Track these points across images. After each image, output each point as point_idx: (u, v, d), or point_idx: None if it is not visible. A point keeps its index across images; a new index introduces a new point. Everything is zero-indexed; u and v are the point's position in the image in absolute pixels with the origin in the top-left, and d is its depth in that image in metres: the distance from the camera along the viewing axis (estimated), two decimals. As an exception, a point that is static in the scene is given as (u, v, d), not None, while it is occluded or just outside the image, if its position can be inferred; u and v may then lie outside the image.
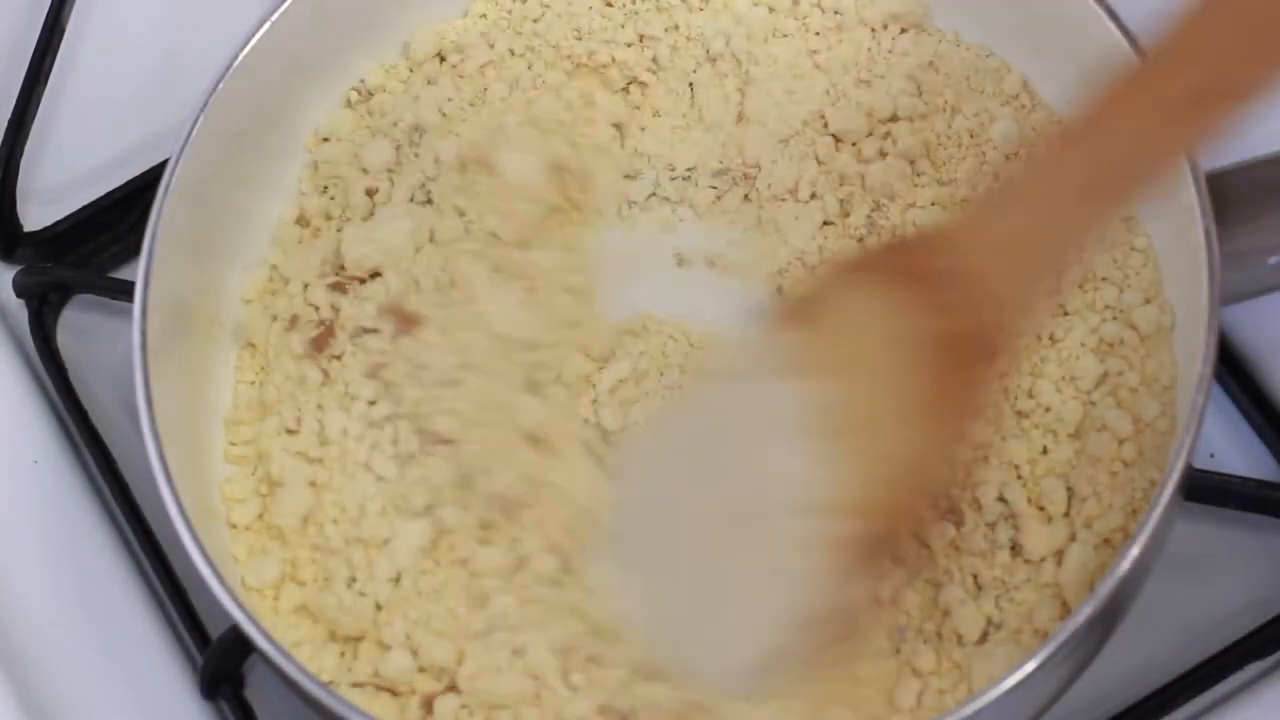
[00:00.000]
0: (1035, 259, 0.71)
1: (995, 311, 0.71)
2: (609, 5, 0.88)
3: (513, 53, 0.88)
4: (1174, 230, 0.78)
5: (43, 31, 0.97)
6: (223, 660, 0.85)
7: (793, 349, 0.73)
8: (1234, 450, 0.86)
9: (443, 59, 0.89)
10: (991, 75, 0.85)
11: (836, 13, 0.86)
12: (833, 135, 0.85)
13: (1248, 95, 0.69)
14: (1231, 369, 0.87)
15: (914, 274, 0.72)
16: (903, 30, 0.86)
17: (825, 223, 0.83)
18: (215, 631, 0.85)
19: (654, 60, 0.87)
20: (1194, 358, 0.74)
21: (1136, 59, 0.77)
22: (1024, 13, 0.83)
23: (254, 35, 0.83)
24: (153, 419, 0.77)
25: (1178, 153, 0.73)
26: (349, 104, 0.88)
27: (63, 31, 0.98)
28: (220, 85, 0.82)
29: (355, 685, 0.77)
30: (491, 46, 0.88)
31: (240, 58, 0.83)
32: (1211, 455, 0.86)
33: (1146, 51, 0.72)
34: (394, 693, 0.77)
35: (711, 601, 0.74)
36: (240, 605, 0.75)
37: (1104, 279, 0.80)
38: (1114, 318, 0.80)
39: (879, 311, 0.72)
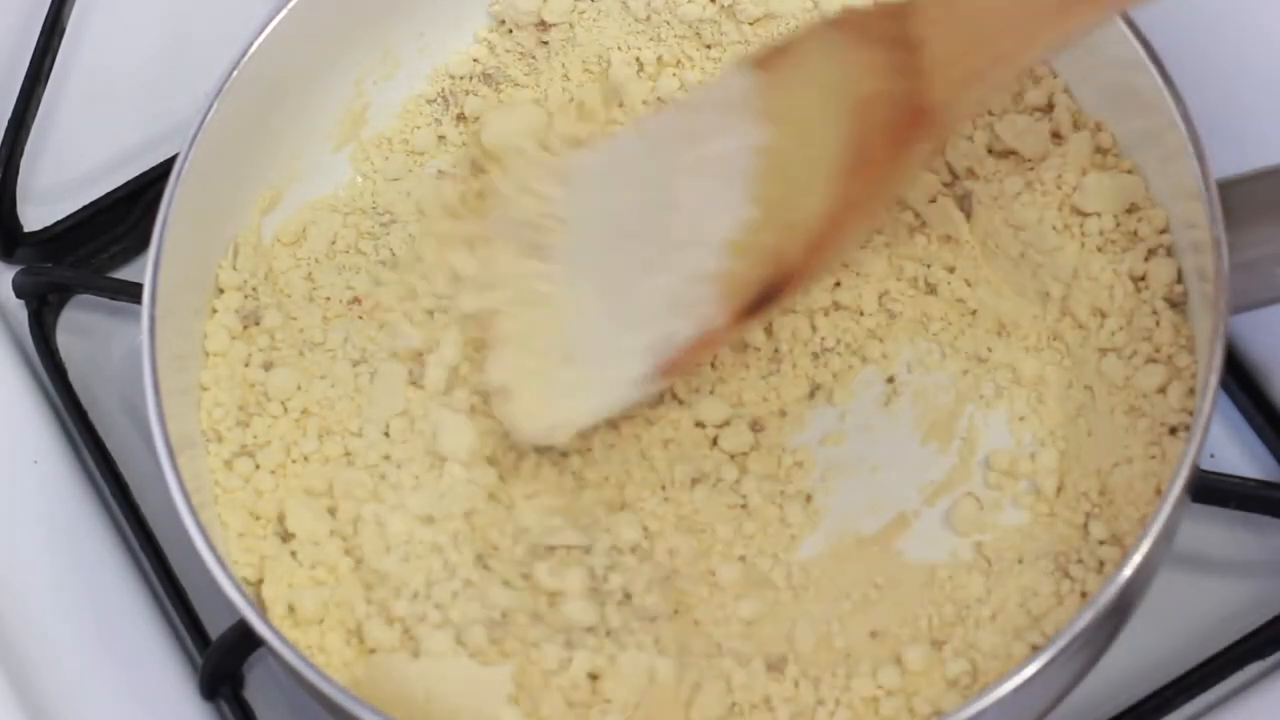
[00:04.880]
0: (994, 44, 0.71)
1: (938, 86, 0.71)
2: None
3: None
4: (1186, 239, 0.79)
5: (43, 31, 0.97)
6: (223, 660, 0.85)
7: (745, 88, 0.74)
8: (1235, 451, 0.87)
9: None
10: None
11: None
12: None
13: None
14: (1232, 370, 0.87)
15: (874, 34, 0.72)
16: None
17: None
18: (215, 631, 0.85)
19: None
20: (1203, 364, 0.75)
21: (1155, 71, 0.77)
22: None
23: (269, 24, 0.83)
24: (164, 426, 0.77)
25: None
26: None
27: (63, 31, 0.97)
28: (234, 74, 0.82)
29: None
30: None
31: (258, 42, 0.83)
32: (1212, 456, 0.87)
33: None
34: None
35: (620, 309, 0.78)
36: (259, 612, 0.75)
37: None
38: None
39: (833, 65, 0.73)
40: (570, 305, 0.80)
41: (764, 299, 0.76)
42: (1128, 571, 0.71)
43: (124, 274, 0.95)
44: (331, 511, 0.81)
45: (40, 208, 0.96)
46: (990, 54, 0.72)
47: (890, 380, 0.83)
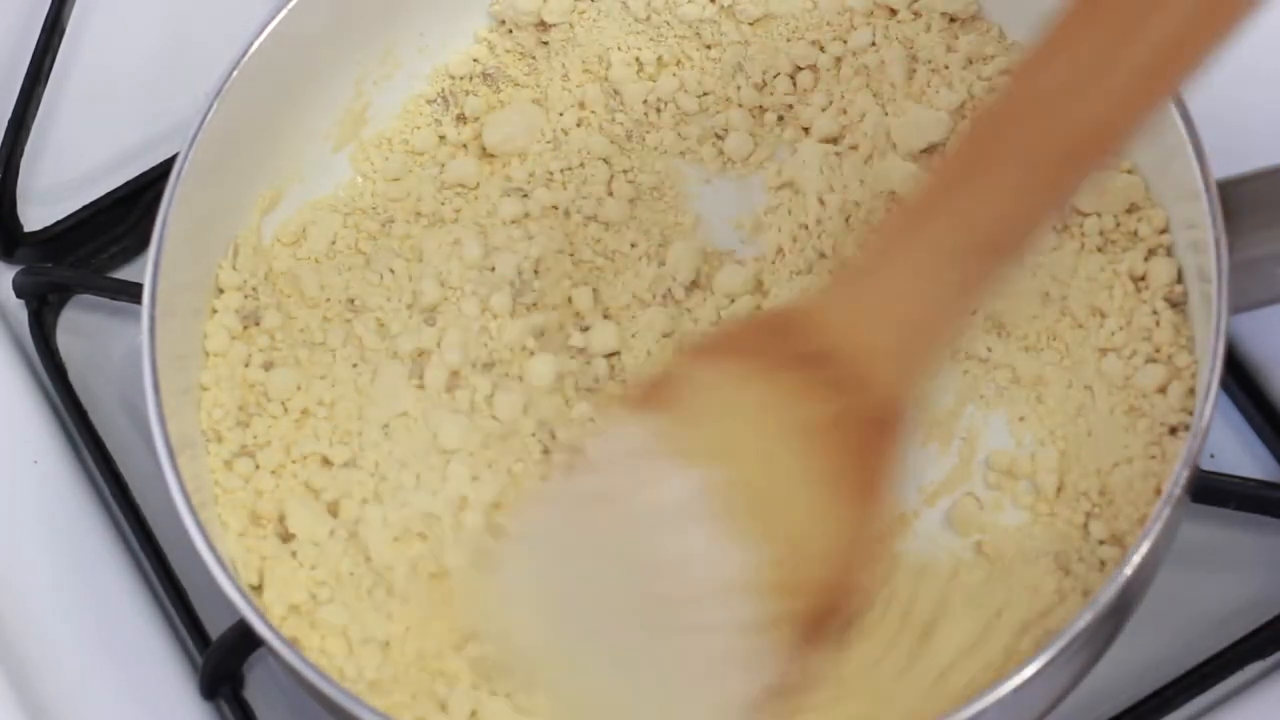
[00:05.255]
0: (913, 329, 0.68)
1: (878, 389, 0.68)
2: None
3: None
4: (1186, 239, 0.79)
5: (43, 31, 0.97)
6: (223, 660, 0.85)
7: (650, 434, 0.69)
8: (1235, 451, 0.87)
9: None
10: None
11: None
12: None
13: (1126, 134, 0.66)
14: (1232, 370, 0.87)
15: (784, 358, 0.69)
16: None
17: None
18: (215, 631, 0.85)
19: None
20: (1203, 364, 0.75)
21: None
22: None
23: (269, 24, 0.83)
24: (164, 426, 0.77)
25: (1062, 199, 0.69)
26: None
27: (63, 31, 0.97)
28: (234, 74, 0.82)
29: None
30: None
31: (258, 42, 0.83)
32: (1212, 456, 0.86)
33: (1015, 93, 0.67)
34: None
35: (647, 707, 0.71)
36: (259, 612, 0.75)
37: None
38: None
39: (753, 398, 0.69)
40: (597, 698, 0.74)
41: (821, 627, 0.70)
42: (1128, 571, 0.71)
43: (124, 274, 0.95)
44: (332, 512, 0.81)
45: (40, 208, 0.96)
46: (918, 339, 0.69)
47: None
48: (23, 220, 0.96)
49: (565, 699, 0.75)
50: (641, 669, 0.71)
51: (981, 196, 0.67)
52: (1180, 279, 0.80)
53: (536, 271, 0.85)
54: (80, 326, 0.95)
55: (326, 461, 0.82)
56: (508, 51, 0.90)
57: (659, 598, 0.70)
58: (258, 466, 0.82)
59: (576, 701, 0.74)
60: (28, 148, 0.96)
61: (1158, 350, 0.79)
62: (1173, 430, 0.78)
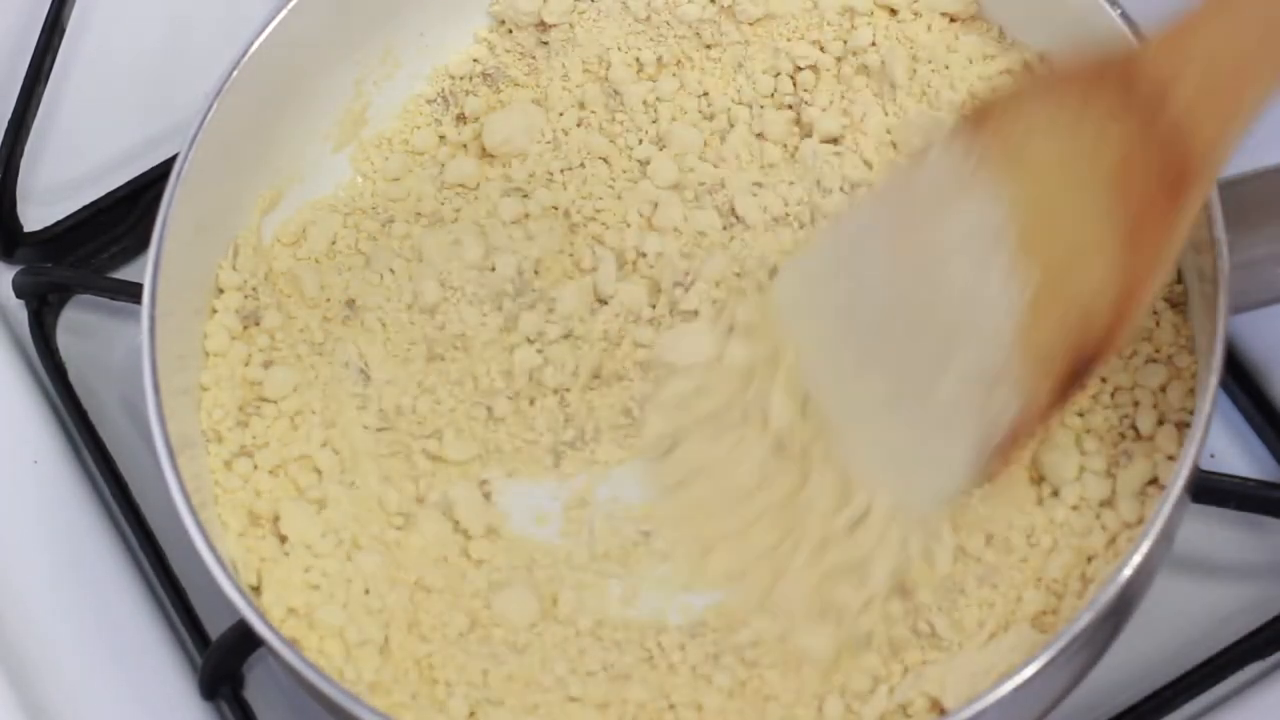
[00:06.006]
0: (1240, 78, 0.68)
1: (1195, 138, 0.68)
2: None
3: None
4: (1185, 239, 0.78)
5: (43, 31, 0.97)
6: (223, 660, 0.85)
7: (965, 156, 0.71)
8: (1235, 451, 0.87)
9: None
10: None
11: None
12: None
13: None
14: (1232, 370, 0.87)
15: (1108, 90, 0.69)
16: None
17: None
18: (215, 631, 0.85)
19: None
20: (1203, 364, 0.75)
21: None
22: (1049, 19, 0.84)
23: (269, 24, 0.83)
24: (164, 426, 0.77)
25: None
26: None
27: (63, 31, 0.97)
28: (234, 74, 0.82)
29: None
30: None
31: (258, 42, 0.83)
32: (1212, 456, 0.86)
33: None
34: None
35: (905, 420, 0.74)
36: (259, 612, 0.75)
37: None
38: None
39: (1077, 128, 0.69)
40: (851, 425, 0.76)
41: (1070, 382, 0.72)
42: (1128, 571, 0.71)
43: (124, 274, 0.95)
44: (331, 512, 0.81)
45: (40, 208, 0.96)
46: (1239, 92, 0.68)
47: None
48: (23, 220, 0.96)
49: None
50: (902, 395, 0.74)
51: None
52: (1180, 279, 0.80)
53: (537, 271, 0.86)
54: (80, 326, 0.95)
55: (326, 461, 0.82)
56: (508, 51, 0.90)
57: (931, 327, 0.72)
58: (256, 467, 0.82)
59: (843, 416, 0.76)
60: (28, 148, 0.96)
61: (1158, 350, 0.79)
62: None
